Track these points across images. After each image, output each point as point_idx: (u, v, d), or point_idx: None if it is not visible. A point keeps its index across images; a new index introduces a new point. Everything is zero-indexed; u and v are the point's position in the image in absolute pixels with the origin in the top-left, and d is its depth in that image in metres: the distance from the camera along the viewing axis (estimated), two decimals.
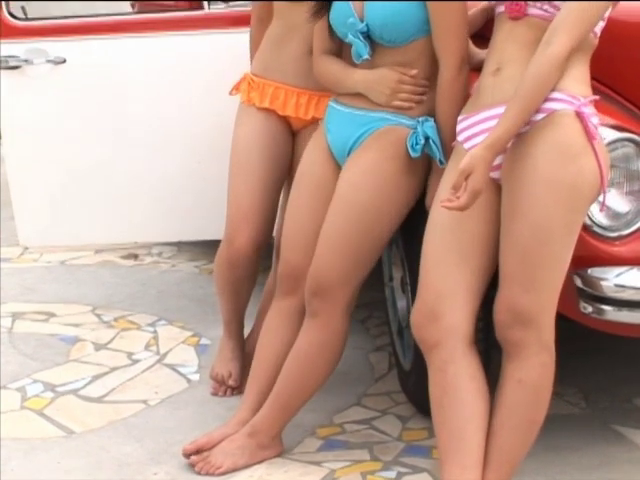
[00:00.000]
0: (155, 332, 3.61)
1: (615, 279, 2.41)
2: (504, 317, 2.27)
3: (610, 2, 2.24)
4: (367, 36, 2.48)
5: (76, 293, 4.02)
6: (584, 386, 3.08)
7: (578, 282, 2.43)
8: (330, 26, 2.59)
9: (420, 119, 2.49)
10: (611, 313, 2.43)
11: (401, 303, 3.01)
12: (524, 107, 2.19)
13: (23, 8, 3.45)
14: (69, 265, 4.35)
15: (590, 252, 2.41)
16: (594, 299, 2.43)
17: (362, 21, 2.47)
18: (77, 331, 3.62)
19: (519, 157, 2.24)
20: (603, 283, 2.41)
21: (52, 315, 3.78)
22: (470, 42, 2.53)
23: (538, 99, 2.20)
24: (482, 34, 2.55)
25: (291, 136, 2.98)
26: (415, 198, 2.56)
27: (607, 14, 2.28)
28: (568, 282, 2.32)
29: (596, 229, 2.43)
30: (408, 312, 2.76)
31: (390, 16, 2.44)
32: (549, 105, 2.21)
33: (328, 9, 2.57)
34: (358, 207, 2.52)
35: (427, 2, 2.41)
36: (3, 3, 3.35)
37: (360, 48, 2.49)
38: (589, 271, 2.42)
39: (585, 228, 2.36)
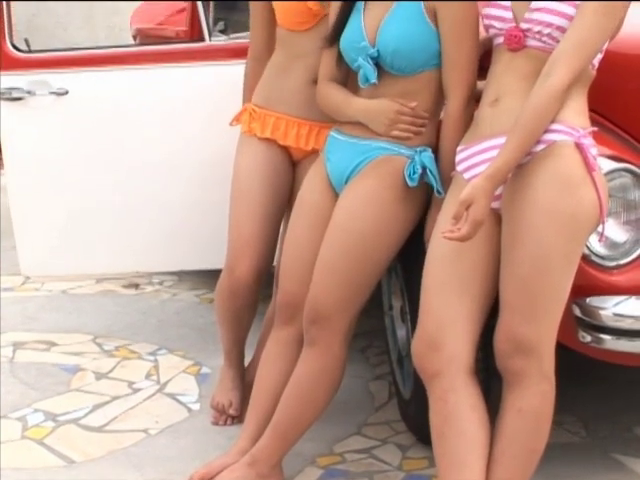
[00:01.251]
0: (156, 361, 3.62)
1: (613, 308, 2.43)
2: (504, 346, 2.28)
3: (609, 34, 2.27)
4: (376, 62, 2.51)
5: (77, 322, 4.02)
6: (584, 415, 3.08)
7: (577, 311, 2.44)
8: (339, 55, 2.62)
9: (418, 149, 2.52)
10: (610, 342, 2.44)
11: (401, 332, 3.02)
12: (524, 138, 2.21)
13: (26, 40, 3.48)
14: (70, 294, 4.36)
15: (588, 281, 2.43)
16: (593, 328, 2.44)
17: (374, 46, 2.51)
18: (78, 360, 3.63)
19: (519, 187, 2.26)
20: (602, 312, 2.42)
21: (53, 344, 3.78)
22: None
23: (538, 130, 2.22)
24: (481, 65, 2.57)
25: (292, 166, 2.99)
26: (412, 227, 2.58)
27: (605, 46, 2.32)
28: (567, 311, 2.33)
29: (594, 258, 2.45)
30: (408, 341, 2.77)
31: (402, 44, 2.47)
32: (549, 136, 2.24)
33: (340, 36, 2.60)
34: (355, 235, 2.53)
35: (442, 34, 2.45)
36: (6, 36, 3.38)
37: (369, 72, 2.52)
38: (588, 300, 2.44)
39: (583, 257, 2.38)
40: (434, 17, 2.46)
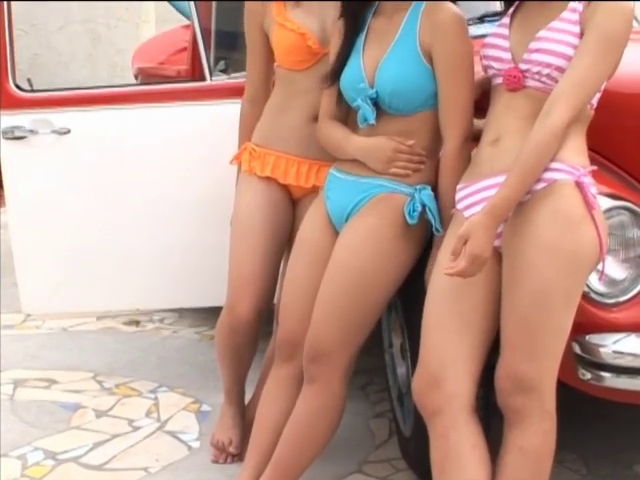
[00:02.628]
0: (156, 399, 3.61)
1: (613, 346, 2.43)
2: (505, 384, 2.28)
3: (607, 74, 2.29)
4: (375, 102, 2.54)
5: (78, 360, 4.02)
6: (585, 453, 3.07)
7: (576, 349, 2.44)
8: (339, 94, 2.65)
9: (418, 187, 2.54)
10: (610, 380, 2.44)
11: (401, 369, 3.02)
12: (524, 176, 2.23)
13: (29, 80, 3.51)
14: (71, 332, 4.36)
15: (588, 319, 2.43)
16: (593, 366, 2.44)
17: (372, 87, 2.53)
18: (78, 398, 3.62)
19: (520, 225, 2.27)
20: (601, 350, 2.42)
21: (53, 382, 3.78)
22: None
23: (538, 169, 2.24)
24: (479, 105, 2.60)
25: (292, 204, 3.01)
26: (412, 264, 2.59)
27: (603, 86, 2.34)
28: (567, 349, 2.33)
29: (593, 296, 2.45)
30: (408, 378, 2.77)
31: (400, 85, 2.50)
32: (549, 175, 2.26)
33: (339, 76, 2.63)
34: (355, 272, 2.54)
35: (437, 75, 2.48)
36: (9, 75, 3.40)
37: (367, 113, 2.54)
38: (587, 338, 2.44)
39: (583, 295, 2.38)
40: (430, 57, 2.49)
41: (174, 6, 5.99)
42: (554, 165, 2.26)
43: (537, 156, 2.23)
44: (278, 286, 3.02)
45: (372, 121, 2.55)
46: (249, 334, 2.99)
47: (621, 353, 2.43)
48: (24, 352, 4.11)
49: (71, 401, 3.60)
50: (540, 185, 2.25)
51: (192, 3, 3.48)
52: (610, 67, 2.28)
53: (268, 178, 2.95)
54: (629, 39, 2.30)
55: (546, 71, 2.30)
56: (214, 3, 4.17)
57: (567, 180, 2.25)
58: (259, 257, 2.93)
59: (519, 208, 2.26)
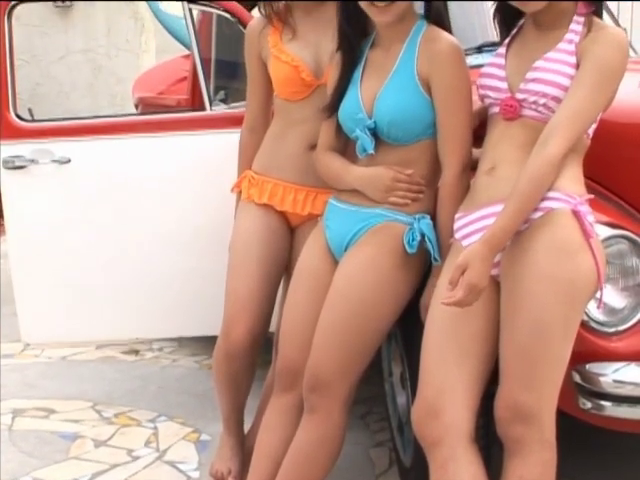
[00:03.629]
0: (155, 428, 3.60)
1: (613, 375, 2.42)
2: (505, 414, 2.27)
3: (603, 105, 2.31)
4: (373, 132, 2.55)
5: (77, 389, 4.01)
6: None
7: (577, 378, 2.44)
8: (337, 124, 2.66)
9: (417, 216, 2.54)
10: (610, 409, 2.43)
11: (401, 399, 3.01)
12: (521, 205, 2.24)
13: (30, 110, 3.53)
14: (70, 361, 4.35)
15: (588, 348, 2.43)
16: (593, 395, 2.43)
17: (370, 118, 2.55)
18: (77, 428, 3.62)
19: (517, 254, 2.27)
20: (601, 379, 2.42)
21: (52, 412, 3.77)
22: None
23: (535, 197, 2.25)
24: (477, 134, 2.61)
25: (289, 232, 3.01)
26: (412, 293, 2.59)
27: (599, 116, 2.35)
28: (567, 378, 2.33)
29: (593, 325, 2.45)
30: (408, 408, 2.76)
31: (398, 115, 2.51)
32: (546, 204, 2.26)
33: (338, 107, 2.64)
34: (354, 301, 2.54)
35: (436, 104, 2.49)
36: (10, 105, 3.42)
37: (366, 143, 2.55)
38: (587, 367, 2.43)
39: (582, 324, 2.38)
40: (428, 87, 2.50)
41: (174, 36, 6.05)
42: (551, 194, 2.27)
43: (534, 186, 2.24)
44: (276, 314, 3.02)
45: (371, 151, 2.56)
46: (245, 360, 2.97)
47: (621, 382, 2.42)
48: (23, 381, 4.10)
49: (70, 431, 3.59)
50: (537, 214, 2.26)
51: (192, 33, 3.50)
52: (606, 98, 2.30)
53: (266, 205, 2.97)
54: (625, 70, 2.31)
55: (542, 101, 2.31)
56: (214, 33, 4.20)
57: (564, 209, 2.26)
58: (255, 283, 2.93)
59: (517, 237, 2.27)
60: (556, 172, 2.26)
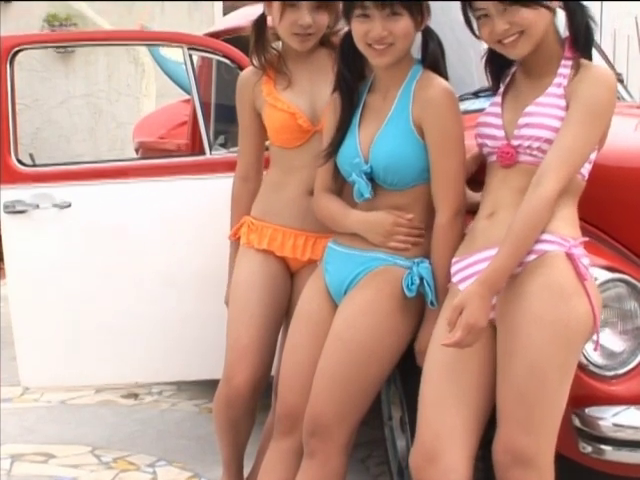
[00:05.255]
0: (154, 473, 3.58)
1: (613, 418, 2.42)
2: (503, 457, 2.27)
3: (594, 143, 2.32)
4: (370, 177, 2.57)
5: (76, 433, 4.00)
6: None
7: (576, 422, 2.43)
8: (335, 168, 2.68)
9: (416, 260, 2.55)
10: (610, 453, 2.43)
11: (401, 443, 3.00)
12: (516, 245, 2.25)
13: (31, 155, 3.55)
14: (69, 405, 4.34)
15: (587, 391, 2.43)
16: (593, 439, 2.43)
17: (367, 162, 2.57)
18: (76, 472, 3.60)
19: (512, 297, 2.28)
20: (601, 422, 2.42)
21: (51, 456, 3.75)
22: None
23: (530, 238, 2.26)
24: (475, 179, 2.63)
25: (289, 277, 3.02)
26: (411, 337, 2.59)
27: (593, 157, 2.37)
28: (567, 422, 2.33)
29: (592, 368, 2.45)
30: (408, 451, 2.74)
31: (393, 160, 2.53)
32: (540, 246, 2.28)
33: (336, 151, 2.67)
34: (354, 345, 2.54)
35: (429, 149, 2.51)
36: (11, 151, 3.44)
37: (362, 188, 2.57)
38: (587, 410, 2.43)
39: (581, 367, 2.39)
40: (422, 132, 2.52)
41: (174, 81, 6.10)
42: (544, 237, 2.28)
43: (529, 226, 2.26)
44: (276, 358, 3.01)
45: (368, 195, 2.58)
46: (246, 406, 2.97)
47: (621, 426, 2.42)
48: (22, 426, 4.09)
49: (68, 476, 3.57)
50: (531, 257, 2.28)
51: (192, 78, 3.54)
52: (596, 135, 2.32)
53: (265, 251, 2.97)
54: (614, 107, 2.34)
55: (536, 144, 2.33)
56: (214, 78, 4.23)
57: (558, 252, 2.27)
58: (256, 328, 2.93)
59: (511, 281, 2.28)
60: (551, 211, 2.27)
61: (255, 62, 2.95)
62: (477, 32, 2.40)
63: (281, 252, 2.96)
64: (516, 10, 2.30)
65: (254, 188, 3.04)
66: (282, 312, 3.00)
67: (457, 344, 2.22)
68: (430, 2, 2.57)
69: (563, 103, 2.32)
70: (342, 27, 2.74)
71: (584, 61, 2.36)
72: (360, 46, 2.55)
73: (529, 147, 2.34)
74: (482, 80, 2.73)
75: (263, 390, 2.99)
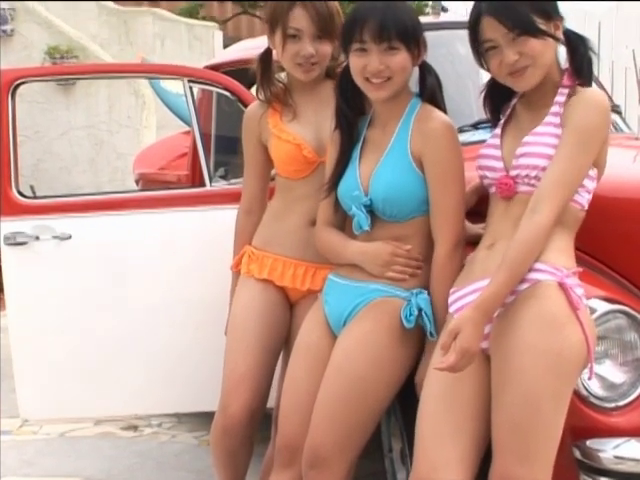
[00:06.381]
0: None
1: (613, 450, 2.40)
2: None
3: (587, 166, 2.33)
4: (370, 210, 2.58)
5: (74, 466, 3.98)
6: None
7: (577, 454, 2.42)
8: (336, 202, 2.69)
9: (414, 291, 2.55)
10: None
11: (401, 475, 2.98)
12: (511, 272, 2.26)
13: (32, 187, 3.55)
14: (68, 437, 4.32)
15: (588, 423, 2.42)
16: (594, 471, 2.41)
17: (366, 195, 2.58)
18: None
19: (505, 327, 2.29)
20: (602, 455, 2.40)
21: None
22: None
23: (525, 264, 2.27)
24: (477, 210, 2.64)
25: (289, 307, 3.01)
26: (410, 368, 2.59)
27: (593, 187, 2.38)
28: (567, 454, 2.32)
29: (592, 400, 2.44)
30: None
31: (392, 193, 2.54)
32: (533, 275, 2.28)
33: (337, 185, 2.68)
34: (353, 377, 2.54)
35: (428, 181, 2.53)
36: (12, 183, 3.44)
37: (362, 220, 2.58)
38: (587, 443, 2.42)
39: (582, 399, 2.38)
40: (421, 165, 2.54)
41: (174, 113, 6.13)
42: (538, 266, 2.29)
43: (525, 252, 2.26)
44: (275, 389, 3.00)
45: (367, 228, 2.59)
46: (243, 434, 2.95)
47: (622, 458, 2.40)
48: (21, 459, 4.07)
49: None
50: (524, 285, 2.28)
51: (192, 110, 3.55)
52: (590, 157, 2.32)
53: (265, 280, 2.97)
54: (606, 128, 2.35)
55: (534, 173, 2.34)
56: (214, 110, 4.25)
57: (550, 281, 2.28)
58: (254, 357, 2.92)
59: (504, 310, 2.29)
60: (546, 237, 2.28)
61: (261, 96, 2.97)
62: (485, 65, 2.42)
63: (281, 282, 2.97)
64: (525, 40, 2.32)
65: (257, 221, 3.05)
66: (280, 341, 3.00)
67: (451, 368, 2.22)
68: (428, 34, 2.60)
69: (559, 131, 2.33)
70: (346, 59, 2.76)
71: (579, 88, 2.37)
72: (358, 80, 2.57)
73: (527, 176, 2.35)
74: (481, 112, 2.74)
75: (260, 419, 2.98)
